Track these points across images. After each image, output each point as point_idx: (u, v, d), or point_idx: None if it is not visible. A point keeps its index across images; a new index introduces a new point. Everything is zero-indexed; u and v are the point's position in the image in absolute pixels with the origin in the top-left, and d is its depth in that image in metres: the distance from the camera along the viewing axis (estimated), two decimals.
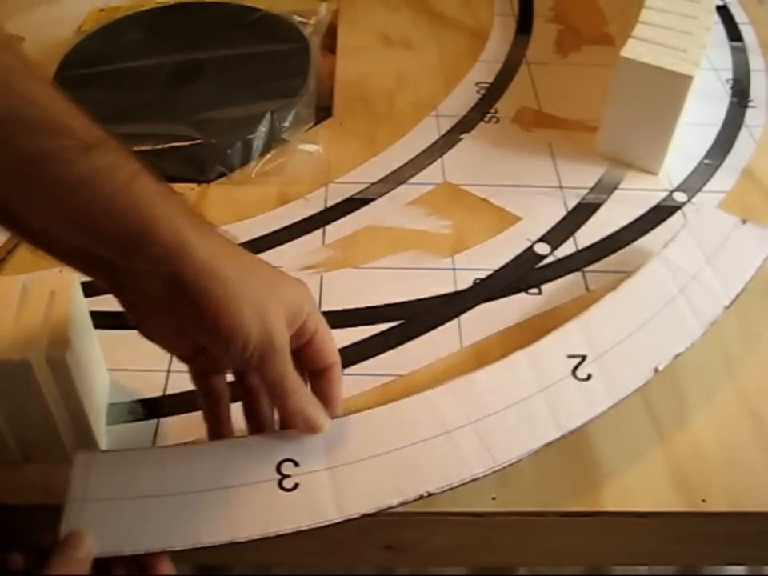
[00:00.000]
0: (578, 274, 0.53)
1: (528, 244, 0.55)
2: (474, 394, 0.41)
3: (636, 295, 0.46)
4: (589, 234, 0.56)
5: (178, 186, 0.59)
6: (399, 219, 0.57)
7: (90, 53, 0.70)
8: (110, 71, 0.67)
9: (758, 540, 0.44)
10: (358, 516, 0.36)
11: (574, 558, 0.49)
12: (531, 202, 0.58)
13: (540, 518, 0.41)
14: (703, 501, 0.41)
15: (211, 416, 0.40)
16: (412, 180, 0.60)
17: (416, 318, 0.50)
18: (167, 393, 0.46)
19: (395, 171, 0.61)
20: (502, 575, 0.86)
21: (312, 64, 0.68)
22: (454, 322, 0.50)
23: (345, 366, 0.47)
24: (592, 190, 0.60)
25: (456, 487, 0.37)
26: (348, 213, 0.58)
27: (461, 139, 0.64)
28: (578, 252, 0.55)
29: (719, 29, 0.76)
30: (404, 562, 0.66)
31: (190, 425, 0.44)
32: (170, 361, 0.47)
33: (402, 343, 0.49)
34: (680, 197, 0.59)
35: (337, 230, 0.56)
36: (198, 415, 0.44)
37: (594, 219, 0.57)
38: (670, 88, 0.56)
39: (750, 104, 0.68)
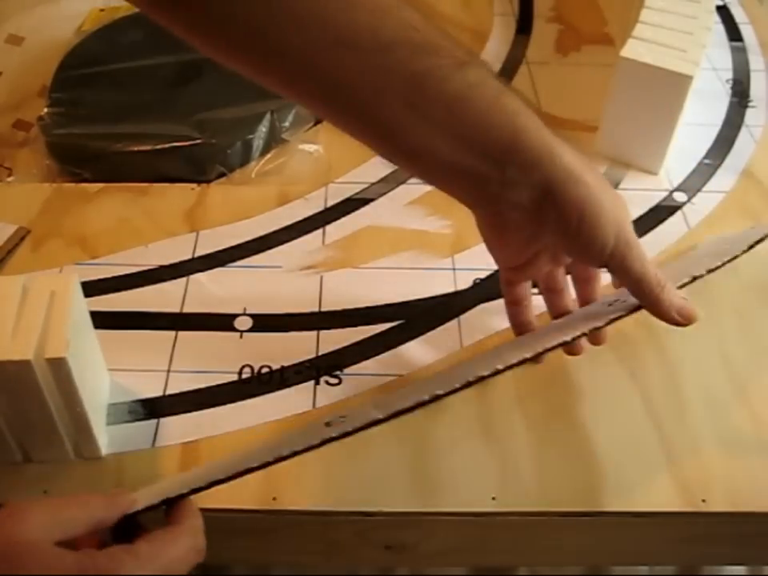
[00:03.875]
0: None
1: None
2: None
3: None
4: None
5: (178, 186, 0.59)
6: (399, 219, 0.57)
7: (90, 53, 0.70)
8: (109, 71, 0.67)
9: (758, 540, 0.44)
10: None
11: (574, 557, 0.49)
12: None
13: (540, 518, 0.41)
14: (703, 501, 0.41)
15: (517, 320, 0.45)
16: (412, 180, 0.60)
17: (416, 317, 0.50)
18: (167, 393, 0.46)
19: (395, 171, 0.61)
20: (502, 575, 0.86)
21: None
22: (454, 322, 0.50)
23: (345, 366, 0.47)
24: None
25: None
26: (348, 213, 0.58)
27: None
28: None
29: (719, 29, 0.76)
30: (404, 562, 0.66)
31: (190, 425, 0.44)
32: (170, 361, 0.47)
33: (401, 343, 0.49)
34: (680, 197, 0.59)
35: (337, 230, 0.56)
36: (198, 415, 0.45)
37: None
38: (670, 88, 0.56)
39: (750, 104, 0.68)
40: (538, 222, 0.38)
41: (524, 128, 0.35)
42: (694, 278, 0.42)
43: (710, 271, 0.42)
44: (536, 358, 0.39)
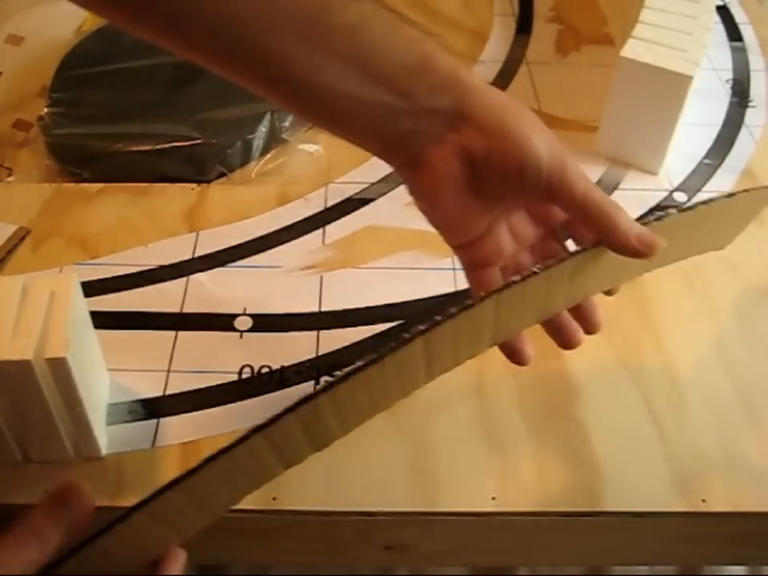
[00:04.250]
0: None
1: None
2: None
3: None
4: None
5: (178, 186, 0.59)
6: (399, 219, 0.57)
7: (90, 53, 0.70)
8: (109, 71, 0.67)
9: (758, 540, 0.44)
10: None
11: (574, 557, 0.49)
12: None
13: (540, 518, 0.41)
14: (703, 501, 0.41)
15: None
16: None
17: (416, 317, 0.50)
18: (167, 393, 0.46)
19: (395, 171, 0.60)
20: (502, 575, 0.86)
21: None
22: None
23: (345, 366, 0.47)
24: None
25: None
26: (348, 213, 0.58)
27: None
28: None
29: (719, 29, 0.76)
30: (404, 562, 0.66)
31: (190, 425, 0.44)
32: (170, 361, 0.47)
33: None
34: (680, 197, 0.59)
35: (337, 230, 0.56)
36: (198, 415, 0.45)
37: None
38: (670, 88, 0.56)
39: (750, 104, 0.68)
40: (464, 158, 0.35)
41: (427, 53, 0.34)
42: (659, 217, 0.36)
43: (679, 210, 0.38)
44: (478, 302, 0.33)
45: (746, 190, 0.41)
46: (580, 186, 0.34)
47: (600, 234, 0.35)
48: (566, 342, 0.40)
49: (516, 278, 0.33)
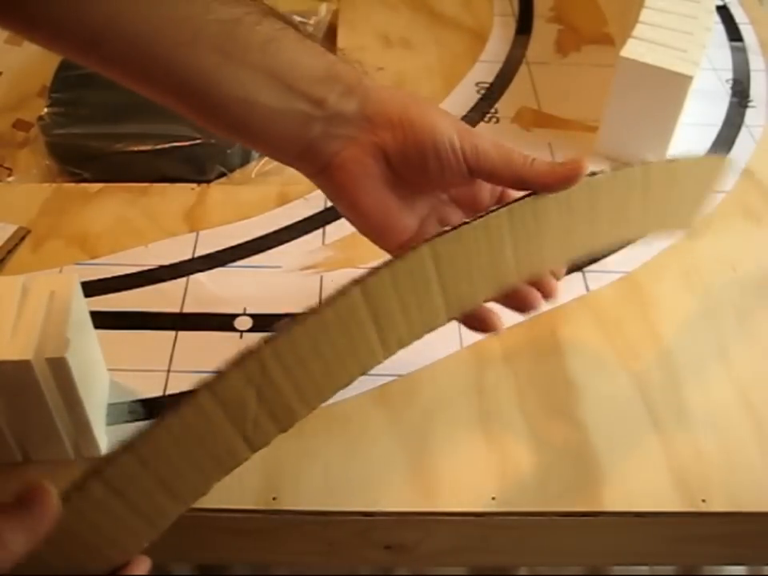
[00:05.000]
0: (578, 273, 0.53)
1: None
2: None
3: None
4: None
5: (178, 186, 0.59)
6: None
7: None
8: None
9: (758, 540, 0.44)
10: None
11: (574, 557, 0.49)
12: None
13: (540, 518, 0.41)
14: (703, 501, 0.41)
15: None
16: None
17: None
18: (167, 393, 0.46)
19: None
20: (502, 575, 0.86)
21: None
22: (454, 321, 0.50)
23: None
24: None
25: None
26: None
27: None
28: None
29: (719, 29, 0.76)
30: (404, 562, 0.66)
31: None
32: (170, 361, 0.47)
33: None
34: None
35: (337, 230, 0.56)
36: None
37: None
38: (670, 88, 0.56)
39: (750, 104, 0.68)
40: (378, 155, 0.36)
41: (332, 63, 0.36)
42: (593, 173, 0.37)
43: (613, 169, 0.38)
44: (411, 250, 0.34)
45: (689, 158, 0.41)
46: (493, 151, 0.36)
47: (528, 185, 0.36)
48: (519, 303, 0.39)
49: (448, 228, 0.34)
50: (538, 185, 0.36)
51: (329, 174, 0.37)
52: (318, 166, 0.37)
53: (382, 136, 0.36)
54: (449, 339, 0.49)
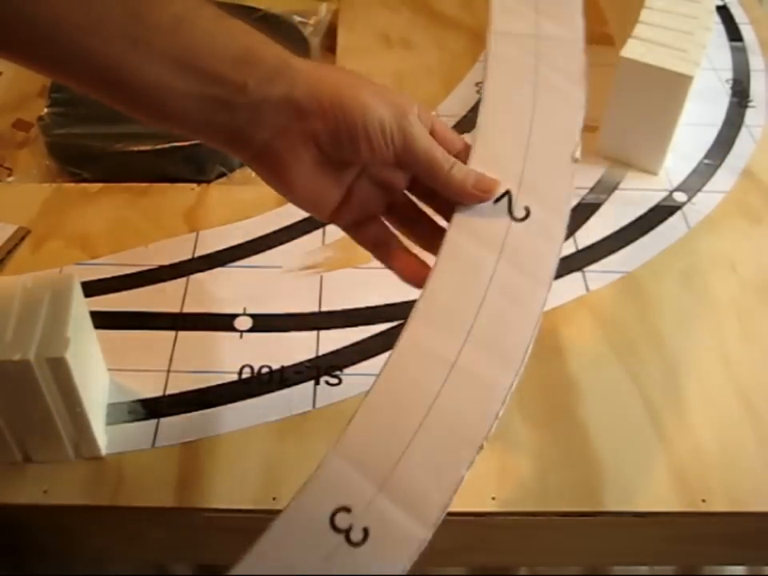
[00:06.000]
0: (577, 273, 0.53)
1: None
2: (447, 310, 0.36)
3: (504, 93, 0.41)
4: (589, 234, 0.56)
5: (178, 186, 0.59)
6: None
7: None
8: None
9: (758, 540, 0.44)
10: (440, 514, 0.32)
11: (574, 557, 0.49)
12: None
13: (540, 518, 0.41)
14: (703, 501, 0.41)
15: (389, 260, 0.40)
16: None
17: None
18: (167, 393, 0.46)
19: None
20: (502, 575, 0.86)
21: None
22: None
23: (345, 366, 0.47)
24: (592, 190, 0.60)
25: (499, 413, 0.33)
26: None
27: None
28: (578, 252, 0.55)
29: (719, 29, 0.76)
30: None
31: (190, 425, 0.44)
32: (170, 361, 0.47)
33: None
34: (680, 197, 0.59)
35: (337, 229, 0.55)
36: (198, 415, 0.45)
37: (593, 219, 0.57)
38: (670, 88, 0.56)
39: (750, 104, 0.68)
40: (310, 143, 0.35)
41: (254, 44, 0.34)
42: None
43: None
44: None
45: None
46: (422, 145, 0.36)
47: (440, 187, 0.37)
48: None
49: None
50: (449, 194, 0.37)
51: (259, 160, 0.36)
52: (248, 153, 0.36)
53: (313, 123, 0.34)
54: None
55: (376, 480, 0.31)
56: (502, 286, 0.35)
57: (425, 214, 0.40)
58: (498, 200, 0.37)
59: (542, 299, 0.35)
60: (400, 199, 0.40)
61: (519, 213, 0.37)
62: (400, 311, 0.51)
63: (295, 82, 0.34)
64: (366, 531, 0.30)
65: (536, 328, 0.35)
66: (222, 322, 0.50)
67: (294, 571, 0.30)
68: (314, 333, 0.49)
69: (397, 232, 0.40)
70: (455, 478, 0.32)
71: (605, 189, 0.60)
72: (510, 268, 0.36)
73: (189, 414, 0.45)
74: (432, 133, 0.37)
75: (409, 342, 0.35)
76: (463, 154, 0.38)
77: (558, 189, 0.38)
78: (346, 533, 0.30)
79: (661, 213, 0.58)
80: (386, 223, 0.40)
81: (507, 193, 0.37)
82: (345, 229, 0.40)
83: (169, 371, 0.47)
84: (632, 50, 0.57)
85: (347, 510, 0.31)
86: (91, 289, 0.50)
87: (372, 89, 0.36)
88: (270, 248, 0.55)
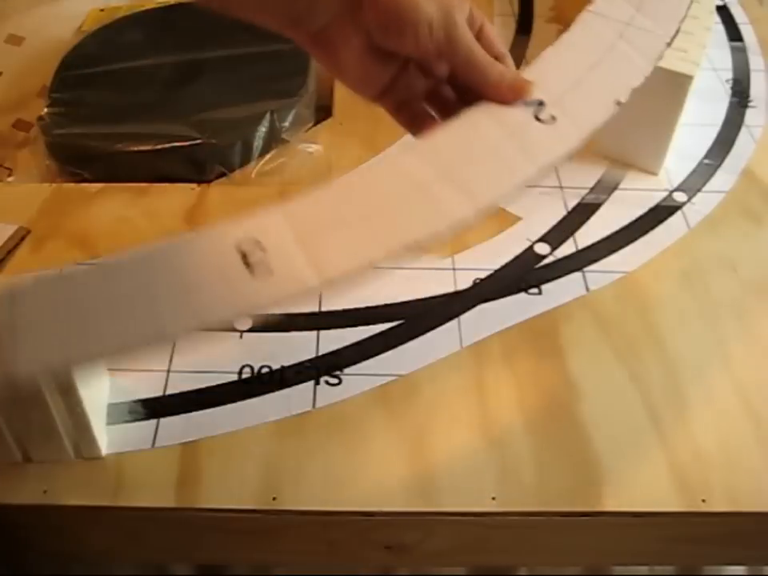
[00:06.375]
0: (578, 273, 0.53)
1: (528, 244, 0.55)
2: (439, 151, 0.39)
3: (576, 47, 0.45)
4: (589, 233, 0.56)
5: (178, 186, 0.59)
6: None
7: (89, 53, 0.70)
8: (109, 71, 0.67)
9: (758, 540, 0.44)
10: (338, 276, 0.34)
11: (574, 557, 0.49)
12: (531, 201, 0.58)
13: (540, 518, 0.41)
14: (703, 501, 0.41)
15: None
16: None
17: (416, 317, 0.50)
18: (167, 393, 0.46)
19: None
20: (502, 575, 0.86)
21: (312, 64, 0.68)
22: (454, 321, 0.50)
23: (345, 366, 0.47)
24: (592, 189, 0.60)
25: (444, 234, 0.35)
26: None
27: None
28: (578, 252, 0.55)
29: (719, 29, 0.76)
30: (404, 562, 0.66)
31: (190, 425, 0.44)
32: (170, 361, 0.47)
33: (402, 343, 0.49)
34: (680, 197, 0.59)
35: None
36: (198, 415, 0.45)
37: (594, 219, 0.57)
38: (670, 88, 0.56)
39: (750, 104, 0.68)
40: (362, 32, 0.38)
41: None
42: None
43: None
44: None
45: None
46: (464, 41, 0.39)
47: (476, 83, 0.40)
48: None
49: None
50: (485, 90, 0.40)
51: (313, 43, 0.40)
52: (303, 36, 0.39)
53: (365, 14, 0.37)
54: (449, 338, 0.49)
55: (297, 234, 0.34)
56: (498, 152, 0.38)
57: (464, 107, 0.42)
58: (530, 104, 0.40)
59: (529, 175, 0.38)
60: (442, 87, 0.43)
61: (544, 116, 0.40)
62: (400, 311, 0.51)
63: None
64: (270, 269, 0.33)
65: (514, 190, 0.37)
66: None
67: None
68: (314, 333, 0.49)
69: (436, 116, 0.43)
70: (368, 260, 0.34)
71: (605, 189, 0.60)
72: (513, 144, 0.39)
73: (189, 414, 0.45)
74: (479, 33, 0.40)
75: (388, 159, 0.39)
76: (507, 61, 0.41)
77: (591, 115, 0.41)
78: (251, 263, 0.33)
79: (661, 213, 0.58)
80: (426, 108, 0.43)
81: (541, 101, 0.41)
82: (387, 109, 0.43)
83: (169, 371, 0.47)
84: None
85: (260, 245, 0.33)
86: None
87: None
88: None
